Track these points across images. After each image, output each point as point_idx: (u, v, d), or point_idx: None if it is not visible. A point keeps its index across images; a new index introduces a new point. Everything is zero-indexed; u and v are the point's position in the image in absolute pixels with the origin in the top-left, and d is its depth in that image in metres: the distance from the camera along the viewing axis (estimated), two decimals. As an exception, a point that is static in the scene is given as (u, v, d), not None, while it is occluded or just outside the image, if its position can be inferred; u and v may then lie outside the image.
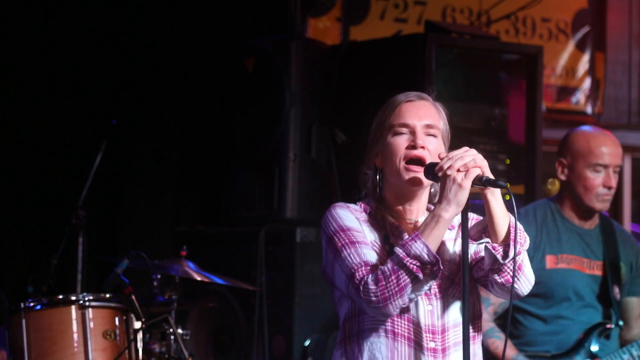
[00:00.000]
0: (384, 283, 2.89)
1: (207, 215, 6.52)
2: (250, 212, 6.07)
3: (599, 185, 4.34)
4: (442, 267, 2.92)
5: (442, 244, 3.05)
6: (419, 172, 3.04)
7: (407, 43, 5.99)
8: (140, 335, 4.63)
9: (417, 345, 3.02)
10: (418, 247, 2.89)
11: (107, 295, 4.65)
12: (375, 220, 3.10)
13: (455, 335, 3.06)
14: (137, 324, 4.59)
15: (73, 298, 4.62)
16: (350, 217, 3.08)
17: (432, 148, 3.07)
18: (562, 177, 4.44)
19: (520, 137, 6.14)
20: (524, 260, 3.03)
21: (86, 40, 6.24)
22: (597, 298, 4.41)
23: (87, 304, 4.59)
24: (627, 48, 8.33)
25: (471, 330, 3.07)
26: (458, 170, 2.92)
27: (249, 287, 5.19)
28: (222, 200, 6.27)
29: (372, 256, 2.99)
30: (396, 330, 3.01)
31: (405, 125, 3.08)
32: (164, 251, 6.01)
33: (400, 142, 3.06)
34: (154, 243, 6.31)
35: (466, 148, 2.97)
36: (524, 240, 3.02)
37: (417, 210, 3.14)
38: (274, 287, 5.78)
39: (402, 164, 3.05)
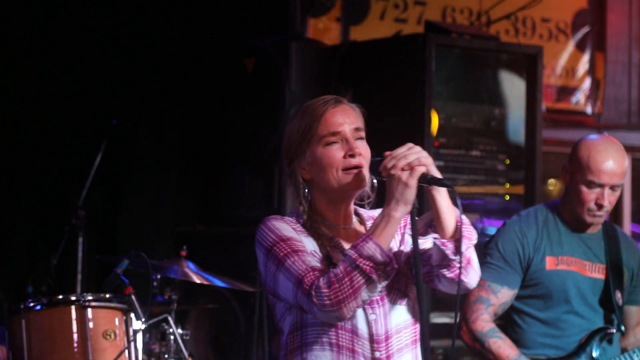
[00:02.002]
0: (337, 286, 2.83)
1: (207, 215, 6.51)
2: (250, 212, 6.06)
3: (592, 201, 4.29)
4: (395, 266, 2.90)
5: None
6: (360, 178, 3.00)
7: (407, 43, 5.99)
8: (140, 335, 4.63)
9: (362, 356, 3.00)
10: (370, 248, 2.85)
11: (107, 296, 4.65)
12: (309, 231, 3.05)
13: (398, 341, 3.03)
14: (137, 324, 4.59)
15: (73, 298, 4.62)
16: (287, 227, 3.01)
17: (364, 152, 3.03)
18: (564, 182, 4.43)
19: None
20: (472, 254, 3.02)
21: (86, 40, 6.24)
22: (598, 301, 4.40)
23: (87, 304, 4.59)
24: (627, 48, 8.34)
25: (413, 335, 3.07)
26: (402, 169, 2.89)
27: (249, 288, 5.19)
28: (222, 200, 6.27)
29: (316, 263, 2.94)
30: (340, 342, 2.99)
31: (336, 134, 3.02)
32: (164, 251, 6.02)
33: (335, 152, 3.01)
34: (154, 243, 6.31)
35: (410, 145, 2.94)
36: (472, 234, 3.01)
37: (348, 216, 3.11)
38: (274, 287, 5.77)
39: (341, 173, 3.01)
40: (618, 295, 4.38)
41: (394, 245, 3.07)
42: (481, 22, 7.53)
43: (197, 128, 6.56)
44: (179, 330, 4.96)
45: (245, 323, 5.85)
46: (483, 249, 4.47)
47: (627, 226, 8.23)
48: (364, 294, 2.85)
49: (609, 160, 4.26)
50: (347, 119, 3.04)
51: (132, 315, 4.60)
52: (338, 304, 2.83)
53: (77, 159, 6.15)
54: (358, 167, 3.01)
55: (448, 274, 2.98)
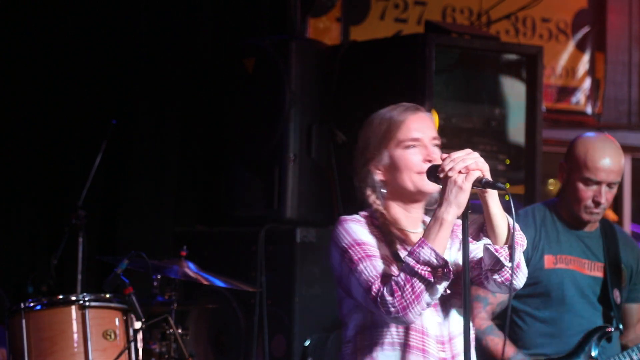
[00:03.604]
0: (399, 293, 2.96)
1: (207, 215, 6.51)
2: (250, 212, 6.06)
3: (589, 198, 4.30)
4: (451, 268, 2.99)
5: None
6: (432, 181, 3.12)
7: (407, 43, 5.99)
8: (140, 336, 4.63)
9: (430, 355, 3.12)
10: (426, 253, 2.96)
11: (107, 296, 4.65)
12: (382, 234, 3.16)
13: (460, 342, 3.13)
14: (137, 324, 4.58)
15: (73, 298, 4.62)
16: (364, 231, 3.15)
17: (439, 159, 3.15)
18: (561, 180, 4.43)
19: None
20: (521, 258, 3.12)
21: (86, 40, 6.24)
22: (598, 300, 4.40)
23: (87, 304, 4.58)
24: (627, 48, 8.33)
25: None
26: (459, 172, 2.99)
27: (249, 288, 5.19)
28: (222, 200, 6.27)
29: (386, 269, 3.06)
30: (410, 342, 3.10)
31: (416, 140, 3.18)
32: (164, 251, 6.01)
33: (414, 156, 3.17)
34: (154, 243, 6.31)
35: (468, 150, 3.04)
36: (523, 241, 3.11)
37: (418, 220, 3.24)
38: (274, 287, 5.78)
39: (417, 176, 3.15)
40: (616, 293, 4.38)
41: (454, 250, 3.21)
42: (481, 22, 7.53)
43: (197, 128, 6.56)
44: (179, 330, 4.95)
45: (245, 323, 5.85)
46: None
47: (627, 226, 8.23)
48: (426, 298, 2.97)
49: (605, 157, 4.27)
50: (426, 127, 3.23)
51: (132, 315, 4.60)
52: (403, 310, 2.96)
53: (77, 159, 6.15)
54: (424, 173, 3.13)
55: (498, 278, 3.08)
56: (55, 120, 6.17)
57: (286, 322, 5.72)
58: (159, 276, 4.99)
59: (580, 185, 4.29)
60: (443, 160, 3.04)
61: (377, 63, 5.99)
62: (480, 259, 3.11)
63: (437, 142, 3.22)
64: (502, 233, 3.05)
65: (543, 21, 8.01)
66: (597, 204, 4.29)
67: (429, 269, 2.95)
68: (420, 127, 3.21)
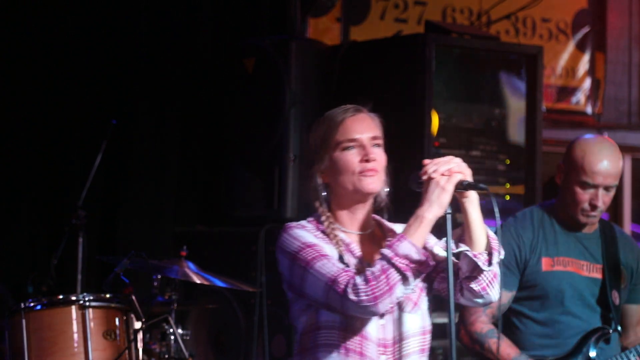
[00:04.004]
0: (374, 282, 2.98)
1: (207, 215, 6.52)
2: (250, 212, 6.07)
3: (585, 201, 4.29)
4: (431, 263, 3.04)
5: None
6: (375, 182, 3.17)
7: (407, 43, 5.99)
8: (140, 336, 4.63)
9: (367, 359, 3.14)
10: (405, 246, 3.01)
11: (107, 296, 4.65)
12: (327, 237, 3.20)
13: (406, 346, 3.17)
14: (137, 324, 4.58)
15: (73, 298, 4.62)
16: (309, 235, 3.18)
17: (380, 158, 3.20)
18: (558, 181, 4.43)
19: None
20: (498, 268, 3.15)
21: (86, 40, 6.24)
22: (596, 301, 4.40)
23: (87, 304, 4.58)
24: (627, 48, 8.34)
25: (421, 344, 3.21)
26: (442, 174, 3.05)
27: (249, 288, 5.19)
28: (222, 200, 6.27)
29: (344, 265, 3.09)
30: (348, 346, 3.13)
31: (353, 140, 3.18)
32: (164, 251, 6.01)
33: (351, 157, 3.17)
34: (154, 243, 6.31)
35: (451, 157, 3.12)
36: (500, 248, 3.14)
37: (365, 222, 3.25)
38: (274, 287, 5.77)
39: (356, 176, 3.16)
40: (615, 294, 4.37)
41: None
42: (481, 22, 7.53)
43: (197, 128, 6.56)
44: (179, 330, 4.95)
45: (245, 323, 5.85)
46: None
47: (627, 226, 8.24)
48: (398, 291, 3.01)
49: (603, 161, 4.26)
50: (364, 127, 3.21)
51: (132, 315, 4.60)
52: (375, 299, 2.99)
53: (77, 159, 6.15)
54: (372, 170, 3.17)
55: (475, 287, 3.12)
56: (55, 120, 6.17)
57: (286, 322, 5.72)
58: (159, 276, 4.99)
59: (577, 189, 4.29)
60: (426, 165, 3.09)
61: (377, 63, 6.00)
62: (458, 268, 3.14)
63: (379, 142, 3.21)
64: (481, 239, 3.09)
65: (543, 21, 8.01)
66: (593, 207, 4.28)
67: (407, 262, 2.99)
68: (358, 128, 3.19)
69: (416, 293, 3.19)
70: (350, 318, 3.11)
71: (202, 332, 6.04)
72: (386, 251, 3.02)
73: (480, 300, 3.15)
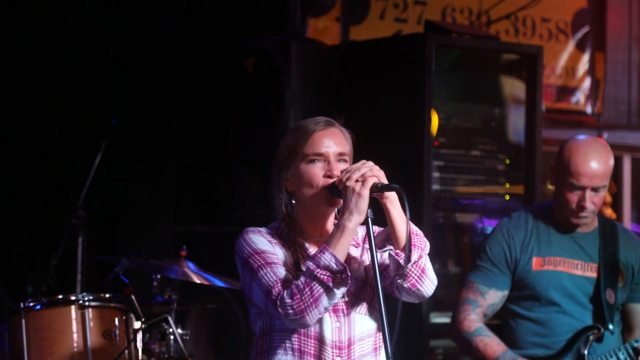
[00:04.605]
0: (299, 296, 3.06)
1: (207, 215, 6.51)
2: (250, 212, 6.06)
3: (574, 203, 4.31)
4: (349, 274, 3.08)
5: (348, 260, 3.21)
6: (335, 197, 3.20)
7: (407, 43, 5.99)
8: (140, 335, 4.63)
9: None
10: (326, 258, 3.07)
11: (107, 295, 4.65)
12: (287, 243, 3.26)
13: (360, 347, 3.24)
14: (137, 324, 4.58)
15: (73, 298, 4.62)
16: (263, 241, 3.26)
17: None
18: (552, 183, 4.45)
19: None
20: (426, 263, 3.19)
21: (86, 40, 6.24)
22: (590, 300, 4.40)
23: (86, 304, 4.58)
24: (627, 48, 8.34)
25: (374, 343, 3.26)
26: (356, 181, 3.10)
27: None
28: (222, 200, 6.27)
29: (287, 275, 3.16)
30: (302, 348, 3.19)
31: (320, 155, 3.23)
32: (164, 251, 6.01)
33: (316, 171, 3.22)
34: (154, 243, 6.31)
35: (364, 161, 3.16)
36: (423, 244, 3.20)
37: (325, 230, 3.30)
38: (274, 287, 5.77)
39: (320, 191, 3.21)
40: (609, 293, 4.38)
41: (366, 258, 3.29)
42: (481, 22, 7.53)
43: (197, 128, 6.56)
44: (179, 330, 4.95)
45: (245, 323, 5.85)
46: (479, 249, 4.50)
47: (627, 226, 8.23)
48: (324, 302, 3.08)
49: (588, 162, 4.27)
50: (332, 143, 3.26)
51: (132, 315, 4.60)
52: (301, 312, 3.07)
53: (77, 159, 6.15)
54: (327, 191, 3.20)
55: (404, 284, 3.16)
56: (55, 120, 6.17)
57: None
58: (158, 276, 4.99)
59: (566, 190, 4.31)
60: (341, 172, 3.15)
61: (377, 63, 6.00)
62: (388, 267, 3.20)
63: (345, 157, 3.26)
64: (402, 237, 3.14)
65: (543, 21, 8.01)
66: (581, 208, 4.29)
67: (328, 274, 3.05)
68: (326, 142, 3.24)
69: (368, 293, 3.25)
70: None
71: (201, 332, 6.04)
72: (309, 263, 3.09)
73: (413, 296, 3.19)
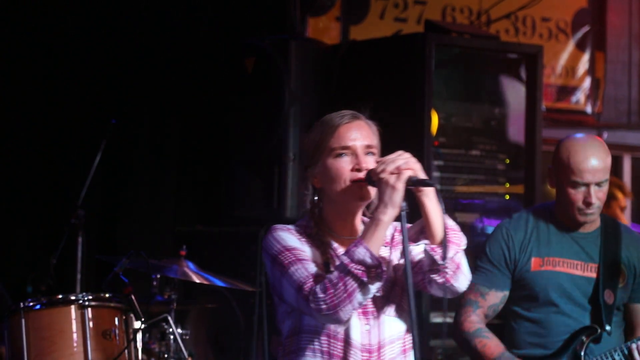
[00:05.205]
0: (332, 291, 2.98)
1: (207, 215, 6.52)
2: (250, 212, 6.06)
3: (579, 200, 4.30)
4: (384, 268, 3.02)
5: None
6: (363, 190, 3.14)
7: (407, 43, 5.99)
8: (139, 335, 4.63)
9: None
10: (361, 252, 2.99)
11: (107, 295, 4.64)
12: (315, 241, 3.19)
13: (390, 350, 3.18)
14: (137, 324, 4.58)
15: (72, 298, 4.62)
16: (292, 238, 3.18)
17: (372, 167, 3.14)
18: (551, 185, 4.45)
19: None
20: (462, 259, 3.12)
21: (86, 40, 6.25)
22: (589, 300, 4.40)
23: (86, 303, 4.58)
24: (627, 47, 8.34)
25: (403, 345, 3.20)
26: (391, 173, 3.02)
27: (248, 288, 5.19)
28: (222, 200, 6.27)
29: (317, 271, 3.09)
30: (332, 351, 3.13)
31: (347, 148, 3.16)
32: (164, 251, 6.01)
33: (343, 165, 3.15)
34: (154, 243, 6.31)
35: (400, 152, 3.08)
36: (460, 240, 3.13)
37: (355, 227, 3.23)
38: (274, 287, 5.77)
39: (347, 185, 3.14)
40: (608, 294, 4.37)
41: (394, 257, 3.22)
42: (481, 22, 7.53)
43: (197, 128, 6.56)
44: (179, 330, 4.95)
45: (245, 323, 5.85)
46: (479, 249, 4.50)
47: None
48: (358, 297, 3.00)
49: (589, 158, 4.27)
50: (359, 135, 3.19)
51: (132, 314, 4.60)
52: (334, 307, 2.99)
53: (77, 159, 6.15)
54: (363, 180, 3.13)
55: (438, 279, 3.10)
56: (55, 120, 6.18)
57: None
58: (158, 276, 4.99)
59: (569, 189, 4.30)
60: (377, 163, 3.07)
61: (376, 62, 6.00)
62: (421, 262, 3.14)
63: (373, 150, 3.19)
64: (438, 232, 3.07)
65: (543, 20, 8.01)
66: (588, 204, 4.29)
67: (362, 268, 2.98)
68: (352, 135, 3.17)
69: (397, 294, 3.19)
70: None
71: (201, 332, 6.04)
72: (343, 257, 3.01)
73: (447, 291, 3.13)
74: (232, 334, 5.96)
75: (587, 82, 8.19)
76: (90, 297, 4.60)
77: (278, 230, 3.20)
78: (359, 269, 2.98)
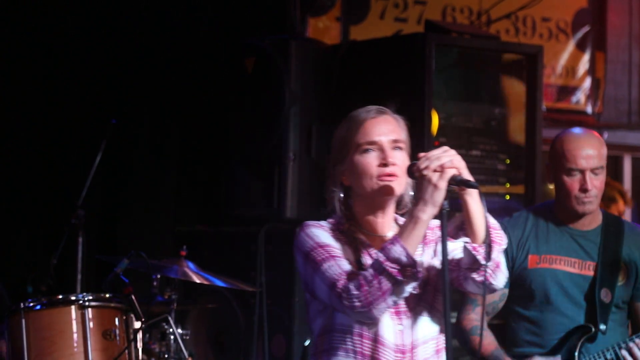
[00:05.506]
0: (366, 288, 2.93)
1: (207, 215, 6.52)
2: (250, 212, 6.06)
3: (576, 189, 4.31)
4: (420, 269, 2.96)
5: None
6: (393, 185, 3.09)
7: (407, 43, 5.99)
8: (140, 335, 4.62)
9: None
10: (397, 250, 2.94)
11: (107, 295, 4.64)
12: (347, 238, 3.14)
13: (424, 351, 3.12)
14: (137, 324, 4.57)
15: (73, 298, 4.61)
16: (325, 234, 3.13)
17: (401, 162, 3.12)
18: (549, 181, 4.46)
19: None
20: (501, 257, 3.09)
21: (86, 40, 6.25)
22: (584, 299, 4.40)
23: (86, 303, 4.58)
24: (627, 47, 8.34)
25: (436, 345, 3.16)
26: (434, 171, 2.96)
27: (248, 288, 5.19)
28: (222, 200, 6.27)
29: (351, 269, 3.03)
30: (364, 351, 3.08)
31: (373, 143, 3.12)
32: (164, 251, 6.01)
33: (370, 160, 3.11)
34: (154, 243, 6.31)
35: (445, 148, 3.02)
36: (502, 239, 3.08)
37: (385, 224, 3.19)
38: (274, 287, 5.78)
39: (375, 181, 3.09)
40: (605, 293, 4.37)
41: (427, 255, 3.16)
42: (481, 22, 7.53)
43: (197, 128, 6.56)
44: (179, 330, 4.95)
45: (245, 323, 5.85)
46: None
47: (627, 226, 8.22)
48: (392, 296, 2.94)
49: (582, 145, 4.30)
50: (385, 130, 3.15)
51: (132, 315, 4.59)
52: (368, 305, 2.94)
53: (77, 159, 6.15)
54: (391, 175, 3.09)
55: (477, 277, 3.05)
56: (55, 120, 6.18)
57: (286, 322, 5.72)
58: (158, 276, 4.99)
59: (565, 178, 4.32)
60: (419, 158, 3.01)
61: (377, 63, 5.99)
62: (459, 260, 3.09)
63: (400, 145, 3.15)
64: (480, 231, 3.02)
65: (543, 20, 8.01)
66: (584, 191, 4.30)
67: (397, 267, 2.92)
68: (378, 130, 3.14)
69: (430, 294, 3.13)
70: (364, 323, 3.06)
71: (201, 332, 6.04)
72: (379, 255, 2.96)
73: (484, 290, 3.06)
74: (232, 334, 5.96)
75: (587, 82, 8.20)
76: (91, 297, 4.60)
77: (311, 227, 3.15)
78: (394, 268, 2.93)
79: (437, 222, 3.14)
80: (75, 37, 6.22)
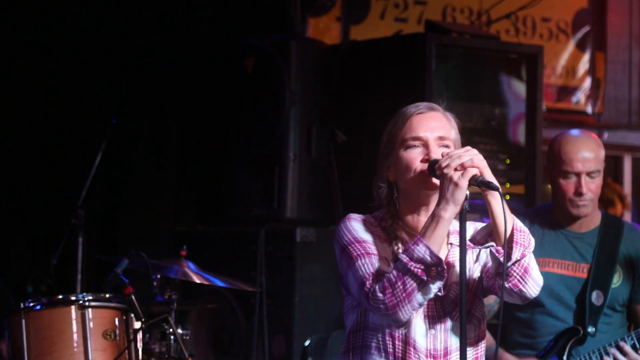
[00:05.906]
0: (390, 290, 2.89)
1: (207, 215, 6.51)
2: (250, 212, 6.06)
3: (571, 191, 4.31)
4: (445, 267, 2.91)
5: (450, 265, 3.04)
6: (435, 181, 3.02)
7: (407, 43, 5.99)
8: (140, 335, 4.62)
9: None
10: (420, 250, 2.89)
11: (107, 295, 4.64)
12: (388, 235, 3.09)
13: (458, 358, 3.03)
14: (137, 324, 4.57)
15: (73, 298, 4.61)
16: (364, 229, 3.08)
17: None
18: (547, 182, 4.46)
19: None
20: (530, 263, 3.00)
21: (86, 40, 6.25)
22: (576, 301, 4.40)
23: (86, 304, 4.58)
24: (628, 48, 8.34)
25: (475, 353, 3.08)
26: (455, 169, 2.92)
27: (248, 288, 5.19)
28: (222, 200, 6.26)
29: (383, 268, 2.99)
30: (396, 353, 3.02)
31: (418, 139, 3.06)
32: (164, 251, 6.01)
33: (414, 156, 3.05)
34: (154, 243, 6.31)
35: (468, 148, 2.97)
36: (527, 242, 3.00)
37: None
38: (274, 287, 5.77)
39: (416, 176, 3.04)
40: (597, 295, 4.36)
41: (469, 260, 3.08)
42: (481, 22, 7.53)
43: (197, 128, 6.56)
44: (179, 330, 4.95)
45: (245, 323, 5.85)
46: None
47: (628, 226, 8.21)
48: (418, 297, 2.90)
49: (579, 148, 4.29)
50: (432, 126, 3.07)
51: (132, 315, 4.59)
52: (393, 308, 2.90)
53: (77, 159, 6.15)
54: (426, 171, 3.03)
55: (506, 283, 2.97)
56: (55, 120, 6.18)
57: (286, 322, 5.72)
58: (158, 276, 4.99)
59: (561, 180, 4.32)
60: (443, 156, 2.96)
61: (377, 63, 5.99)
62: (488, 265, 3.04)
63: (447, 142, 3.07)
64: (503, 233, 2.95)
65: (543, 21, 8.01)
66: (579, 194, 4.30)
67: (422, 267, 2.88)
68: (424, 126, 3.06)
69: (468, 299, 3.05)
70: (393, 324, 3.01)
71: (201, 332, 6.04)
72: (402, 256, 2.91)
73: (515, 297, 3.00)
74: (232, 334, 5.96)
75: (587, 83, 8.19)
76: (91, 297, 4.60)
77: (352, 220, 3.10)
78: (418, 268, 2.88)
79: (473, 226, 3.12)
80: (75, 37, 6.22)
